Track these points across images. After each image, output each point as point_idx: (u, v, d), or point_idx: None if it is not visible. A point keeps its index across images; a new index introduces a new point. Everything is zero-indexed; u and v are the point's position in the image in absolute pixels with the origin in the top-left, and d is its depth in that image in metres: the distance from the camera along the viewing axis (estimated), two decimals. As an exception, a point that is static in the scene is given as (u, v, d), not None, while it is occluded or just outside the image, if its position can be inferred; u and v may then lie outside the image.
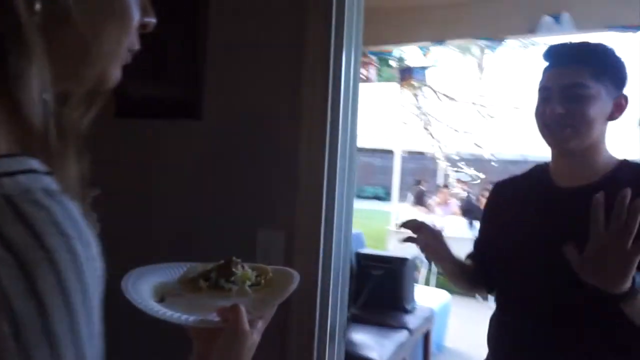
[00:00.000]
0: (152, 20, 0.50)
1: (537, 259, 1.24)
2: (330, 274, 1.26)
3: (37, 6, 0.37)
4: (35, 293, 0.34)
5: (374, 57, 4.71)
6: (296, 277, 0.89)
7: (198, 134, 1.41)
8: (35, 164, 0.39)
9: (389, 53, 5.45)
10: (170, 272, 0.91)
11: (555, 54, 1.28)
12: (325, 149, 1.19)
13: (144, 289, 0.84)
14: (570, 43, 1.29)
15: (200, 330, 0.78)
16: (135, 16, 0.47)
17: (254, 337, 0.75)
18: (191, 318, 0.77)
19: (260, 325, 0.77)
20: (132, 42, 0.48)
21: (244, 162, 1.35)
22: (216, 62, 1.39)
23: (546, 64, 1.28)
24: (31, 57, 0.38)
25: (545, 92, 1.26)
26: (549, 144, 1.27)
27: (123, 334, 1.14)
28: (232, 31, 1.37)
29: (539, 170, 1.37)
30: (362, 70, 4.28)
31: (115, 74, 0.48)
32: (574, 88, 1.21)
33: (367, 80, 4.58)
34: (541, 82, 1.28)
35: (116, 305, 0.63)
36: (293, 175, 1.25)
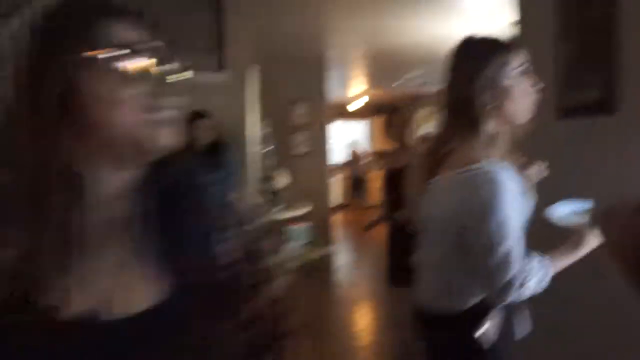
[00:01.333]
0: None
1: None
2: None
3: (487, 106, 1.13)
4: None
5: None
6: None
7: (612, 127, 1.84)
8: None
9: None
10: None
11: None
12: None
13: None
14: None
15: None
16: None
17: (590, 238, 1.31)
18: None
19: (593, 237, 1.31)
20: None
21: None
22: (626, 70, 1.79)
23: None
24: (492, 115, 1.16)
25: None
26: None
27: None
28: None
29: None
30: None
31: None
32: None
33: None
34: None
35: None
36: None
